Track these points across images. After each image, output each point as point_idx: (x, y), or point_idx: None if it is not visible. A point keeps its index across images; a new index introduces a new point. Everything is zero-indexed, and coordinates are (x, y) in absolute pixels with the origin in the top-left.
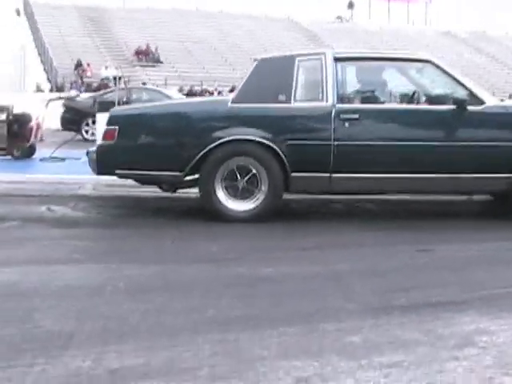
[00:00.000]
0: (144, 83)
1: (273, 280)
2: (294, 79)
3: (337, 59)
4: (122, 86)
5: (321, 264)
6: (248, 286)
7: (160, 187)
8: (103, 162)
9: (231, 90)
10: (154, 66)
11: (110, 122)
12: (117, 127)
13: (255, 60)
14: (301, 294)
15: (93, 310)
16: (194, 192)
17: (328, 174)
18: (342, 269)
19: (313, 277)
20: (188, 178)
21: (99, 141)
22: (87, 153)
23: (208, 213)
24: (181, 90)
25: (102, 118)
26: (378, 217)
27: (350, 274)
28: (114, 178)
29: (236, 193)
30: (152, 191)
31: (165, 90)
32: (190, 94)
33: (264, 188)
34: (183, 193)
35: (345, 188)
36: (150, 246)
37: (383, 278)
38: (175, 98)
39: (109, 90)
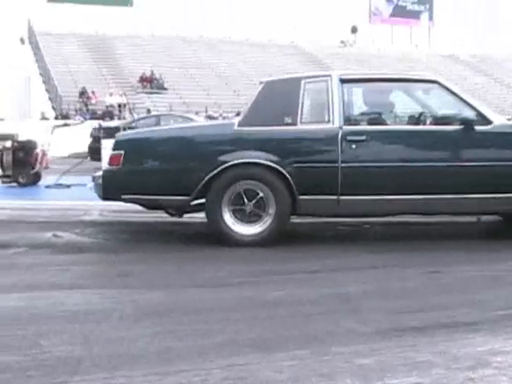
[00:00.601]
0: (148, 110)
1: (282, 303)
2: (300, 101)
3: (343, 81)
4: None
5: (330, 286)
6: (256, 310)
7: (167, 212)
8: (109, 187)
9: (237, 115)
10: (158, 93)
11: (115, 147)
12: (122, 152)
13: (261, 82)
14: (311, 317)
15: (100, 335)
16: (200, 216)
17: (336, 197)
18: (352, 291)
19: (322, 299)
20: (195, 202)
21: (105, 166)
22: (93, 178)
23: (215, 237)
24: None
25: (107, 144)
26: (387, 239)
27: (360, 296)
28: (120, 203)
29: (243, 217)
30: (158, 216)
31: (192, 116)
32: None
33: (271, 211)
34: (190, 217)
35: (353, 210)
36: (156, 271)
37: (394, 300)
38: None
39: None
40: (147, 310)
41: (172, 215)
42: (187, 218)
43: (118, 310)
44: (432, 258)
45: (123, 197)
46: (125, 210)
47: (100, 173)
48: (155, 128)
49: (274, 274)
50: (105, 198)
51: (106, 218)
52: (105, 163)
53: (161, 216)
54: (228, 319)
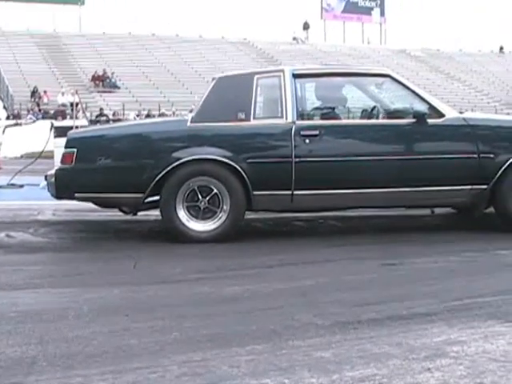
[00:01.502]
0: (101, 109)
1: (238, 298)
2: (253, 97)
3: (296, 76)
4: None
5: (287, 281)
6: (213, 305)
7: (121, 210)
8: (62, 186)
9: (191, 112)
10: (111, 92)
11: (67, 145)
12: (75, 150)
13: (214, 78)
14: (268, 311)
15: (55, 334)
16: (155, 214)
17: (290, 192)
18: (309, 284)
19: (279, 294)
20: (148, 199)
21: (57, 165)
22: (45, 177)
23: (170, 234)
24: (138, 115)
25: (60, 143)
26: (343, 233)
27: (316, 289)
28: (74, 202)
29: (198, 213)
30: (113, 214)
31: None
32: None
33: (226, 207)
34: (144, 215)
35: (307, 205)
36: (111, 269)
37: (351, 293)
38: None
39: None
40: (103, 308)
41: (126, 213)
42: (142, 215)
43: (74, 308)
44: (388, 251)
45: (77, 195)
46: (79, 209)
47: (53, 172)
48: (107, 125)
49: (230, 269)
50: (58, 196)
51: (59, 218)
52: (57, 162)
53: (115, 214)
54: (184, 315)
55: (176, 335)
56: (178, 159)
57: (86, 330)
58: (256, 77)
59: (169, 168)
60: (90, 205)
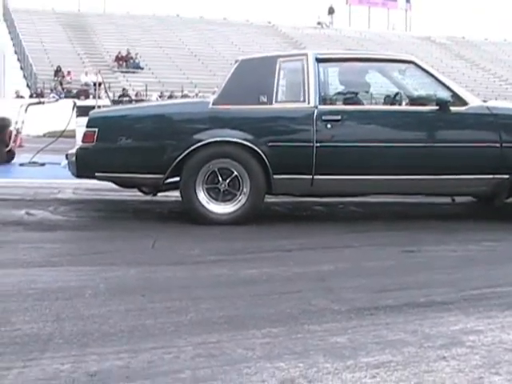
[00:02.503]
0: (124, 89)
1: (255, 281)
2: (276, 80)
3: (319, 60)
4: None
5: (305, 265)
6: (230, 287)
7: (140, 190)
8: (82, 165)
9: (213, 94)
10: (134, 72)
11: (89, 124)
12: (96, 129)
13: (236, 61)
14: (285, 295)
15: (71, 312)
16: (175, 195)
17: (310, 176)
18: (327, 270)
19: (297, 278)
20: (169, 180)
21: (79, 144)
22: (66, 156)
23: (190, 216)
24: (161, 96)
25: (82, 122)
26: (362, 219)
27: (334, 274)
28: (94, 181)
29: (217, 195)
30: (132, 194)
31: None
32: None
33: (246, 190)
34: (164, 196)
35: (327, 190)
36: (130, 249)
37: (369, 279)
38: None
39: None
40: (120, 287)
41: (146, 194)
42: (162, 196)
43: (90, 287)
44: (408, 238)
45: (97, 175)
46: (99, 188)
47: (74, 150)
48: (129, 106)
49: (249, 252)
50: (78, 175)
51: (79, 196)
52: (79, 141)
53: (135, 194)
54: (201, 297)
55: (192, 316)
56: (199, 141)
57: (103, 309)
58: (279, 60)
59: (189, 149)
60: (110, 184)
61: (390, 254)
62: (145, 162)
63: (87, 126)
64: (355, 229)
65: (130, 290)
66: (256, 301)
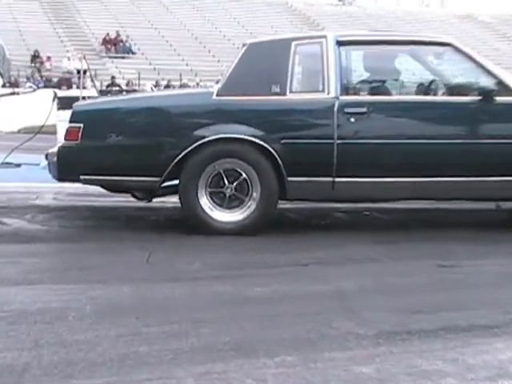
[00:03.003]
0: (113, 77)
1: (266, 300)
2: (290, 67)
3: (340, 43)
4: None
5: (323, 281)
6: (236, 308)
7: (133, 195)
8: (65, 166)
9: (217, 83)
10: (124, 58)
11: (73, 119)
12: (81, 125)
13: (244, 45)
14: (300, 317)
15: (52, 338)
16: (172, 201)
17: (331, 179)
18: (349, 287)
19: (314, 296)
20: (166, 183)
21: (61, 141)
22: (46, 156)
23: (190, 224)
24: (156, 86)
25: (64, 116)
26: (390, 228)
27: (358, 293)
28: (79, 185)
29: (223, 201)
30: (123, 200)
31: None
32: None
33: (256, 195)
34: (160, 202)
35: (350, 195)
36: (120, 263)
37: (398, 298)
38: None
39: None
40: (109, 308)
41: (139, 199)
42: (158, 202)
43: (75, 308)
44: (442, 250)
45: (82, 178)
46: (84, 193)
47: (55, 149)
48: (120, 97)
49: (258, 266)
50: (61, 178)
51: (61, 203)
52: (61, 138)
53: (127, 200)
54: (203, 319)
55: (193, 342)
56: (202, 138)
57: (89, 334)
58: (294, 43)
59: (190, 148)
60: (98, 189)
61: (422, 269)
62: (138, 163)
63: (71, 121)
64: (381, 239)
65: (122, 311)
66: (267, 323)
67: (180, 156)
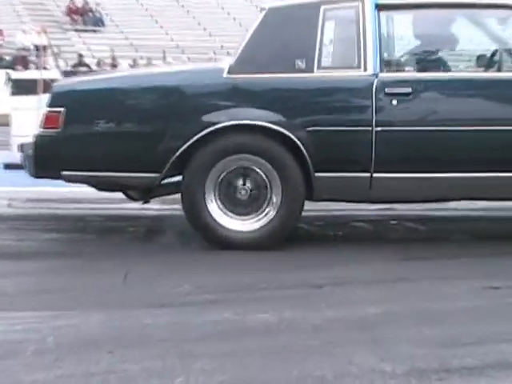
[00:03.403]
0: (81, 55)
1: (272, 330)
2: (318, 37)
3: (380, 7)
4: None
5: (341, 307)
6: (235, 339)
7: (127, 195)
8: (43, 160)
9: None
10: (94, 31)
11: (53, 102)
12: (63, 109)
13: (262, 9)
14: (313, 350)
15: (6, 377)
16: (155, 208)
17: (368, 174)
18: (374, 313)
19: (330, 325)
20: (167, 180)
21: (16, 134)
22: (21, 147)
23: (179, 237)
24: (134, 65)
25: (20, 103)
26: (424, 240)
27: (384, 320)
28: (40, 188)
29: (236, 206)
30: (93, 207)
31: None
32: None
33: (276, 199)
34: (139, 209)
35: (392, 195)
36: (90, 285)
37: (434, 327)
38: None
39: None
40: (77, 340)
41: (134, 200)
42: (136, 209)
43: (34, 341)
44: (491, 268)
45: (64, 173)
46: (47, 198)
47: (31, 140)
48: (109, 75)
49: (261, 288)
50: (38, 175)
51: (18, 210)
52: (16, 130)
53: (101, 207)
54: (193, 354)
55: (181, 381)
56: (209, 125)
57: (51, 373)
58: (323, 8)
59: (196, 138)
60: (63, 193)
61: (464, 292)
62: (133, 155)
63: (50, 105)
64: (413, 254)
65: (92, 344)
66: (272, 359)
67: (183, 148)
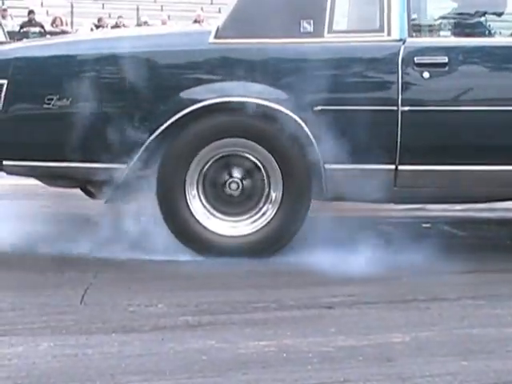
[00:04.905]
0: (31, 12)
1: (268, 361)
2: None
3: None
4: None
5: (357, 333)
6: (224, 373)
7: (85, 191)
8: None
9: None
10: None
11: None
12: (4, 82)
13: None
14: None
15: None
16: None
17: (392, 167)
18: (398, 341)
19: (344, 356)
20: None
21: None
22: None
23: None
24: (99, 26)
25: None
26: (466, 248)
27: (412, 351)
28: None
29: (225, 204)
30: (43, 205)
31: None
32: None
33: (275, 195)
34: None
35: (423, 193)
36: (40, 306)
37: (478, 361)
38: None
39: None
40: (16, 376)
41: (94, 197)
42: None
43: None
44: None
45: (6, 164)
46: None
47: None
48: (65, 39)
49: (255, 308)
50: None
51: None
52: None
53: (47, 204)
54: None
55: None
56: (192, 103)
57: None
58: None
59: (173, 119)
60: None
61: None
62: (92, 142)
63: None
64: (449, 267)
65: (36, 381)
66: None
67: (158, 132)
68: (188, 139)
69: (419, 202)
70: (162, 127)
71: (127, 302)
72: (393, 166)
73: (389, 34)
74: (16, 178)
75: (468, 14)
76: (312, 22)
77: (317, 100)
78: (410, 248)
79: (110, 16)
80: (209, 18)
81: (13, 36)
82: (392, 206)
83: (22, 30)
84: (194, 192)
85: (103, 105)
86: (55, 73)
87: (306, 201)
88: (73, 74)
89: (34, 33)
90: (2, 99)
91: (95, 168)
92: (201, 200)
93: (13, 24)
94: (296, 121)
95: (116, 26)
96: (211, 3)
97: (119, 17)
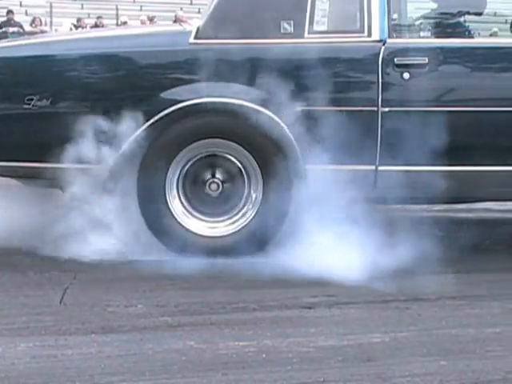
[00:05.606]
0: (10, 12)
1: (247, 363)
2: None
3: None
4: None
5: (337, 333)
6: (201, 374)
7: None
8: None
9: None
10: None
11: None
12: None
13: None
14: None
15: None
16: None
17: (372, 167)
18: (378, 341)
19: (324, 356)
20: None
21: None
22: None
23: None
24: (78, 27)
25: None
26: (446, 247)
27: (392, 351)
28: None
29: (205, 205)
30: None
31: None
32: None
33: (256, 195)
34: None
35: (402, 193)
36: (18, 306)
37: (457, 361)
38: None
39: None
40: None
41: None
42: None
43: None
44: None
45: None
46: None
47: None
48: (45, 39)
49: (235, 309)
50: None
51: None
52: None
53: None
54: None
55: None
56: (172, 104)
57: None
58: None
59: (154, 119)
60: None
61: (496, 315)
62: (73, 142)
63: None
64: (429, 267)
65: (16, 381)
66: None
67: (138, 132)
68: (168, 140)
69: (399, 203)
70: (143, 127)
71: (106, 303)
72: (373, 167)
73: (369, 34)
74: None
75: (448, 14)
76: (292, 22)
77: (297, 101)
78: (389, 248)
79: (89, 16)
80: (188, 19)
81: None
82: (372, 206)
83: (0, 30)
84: (174, 192)
85: (83, 105)
86: (35, 73)
87: (287, 201)
88: (53, 74)
89: (13, 33)
90: None
91: (75, 169)
92: (181, 200)
93: None
94: (276, 121)
95: (95, 26)
96: (191, 3)
97: (98, 17)
